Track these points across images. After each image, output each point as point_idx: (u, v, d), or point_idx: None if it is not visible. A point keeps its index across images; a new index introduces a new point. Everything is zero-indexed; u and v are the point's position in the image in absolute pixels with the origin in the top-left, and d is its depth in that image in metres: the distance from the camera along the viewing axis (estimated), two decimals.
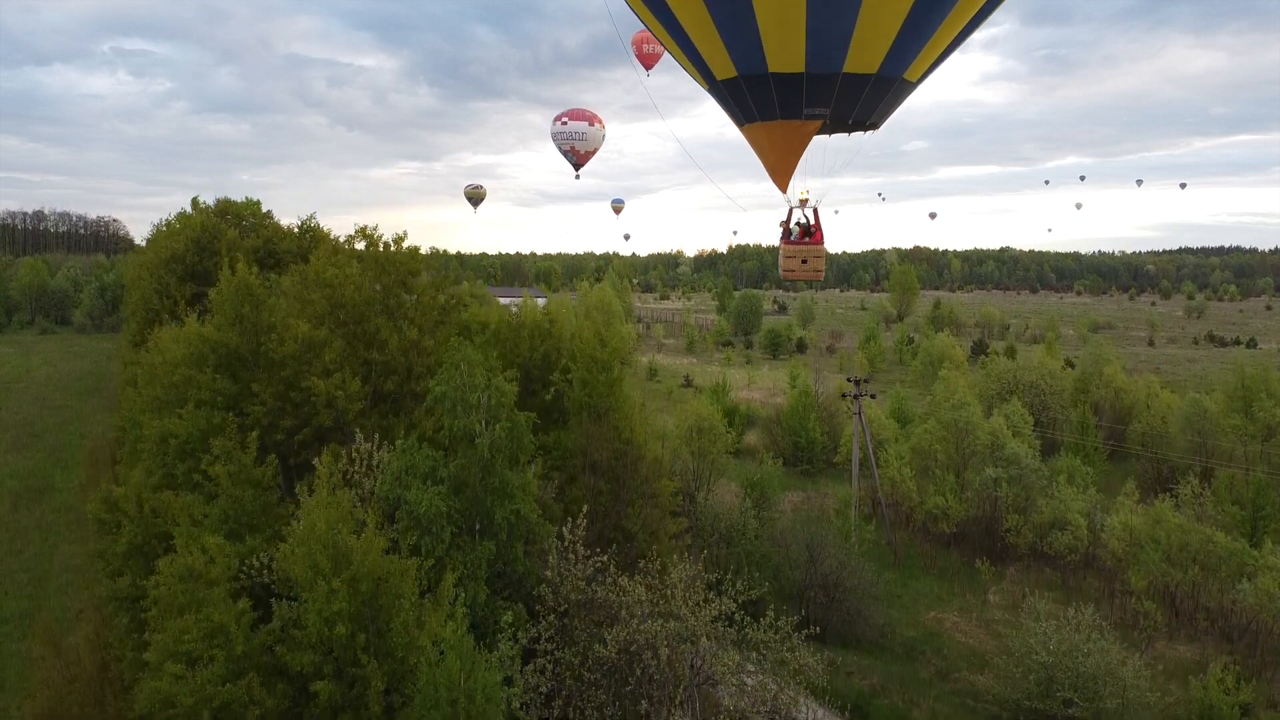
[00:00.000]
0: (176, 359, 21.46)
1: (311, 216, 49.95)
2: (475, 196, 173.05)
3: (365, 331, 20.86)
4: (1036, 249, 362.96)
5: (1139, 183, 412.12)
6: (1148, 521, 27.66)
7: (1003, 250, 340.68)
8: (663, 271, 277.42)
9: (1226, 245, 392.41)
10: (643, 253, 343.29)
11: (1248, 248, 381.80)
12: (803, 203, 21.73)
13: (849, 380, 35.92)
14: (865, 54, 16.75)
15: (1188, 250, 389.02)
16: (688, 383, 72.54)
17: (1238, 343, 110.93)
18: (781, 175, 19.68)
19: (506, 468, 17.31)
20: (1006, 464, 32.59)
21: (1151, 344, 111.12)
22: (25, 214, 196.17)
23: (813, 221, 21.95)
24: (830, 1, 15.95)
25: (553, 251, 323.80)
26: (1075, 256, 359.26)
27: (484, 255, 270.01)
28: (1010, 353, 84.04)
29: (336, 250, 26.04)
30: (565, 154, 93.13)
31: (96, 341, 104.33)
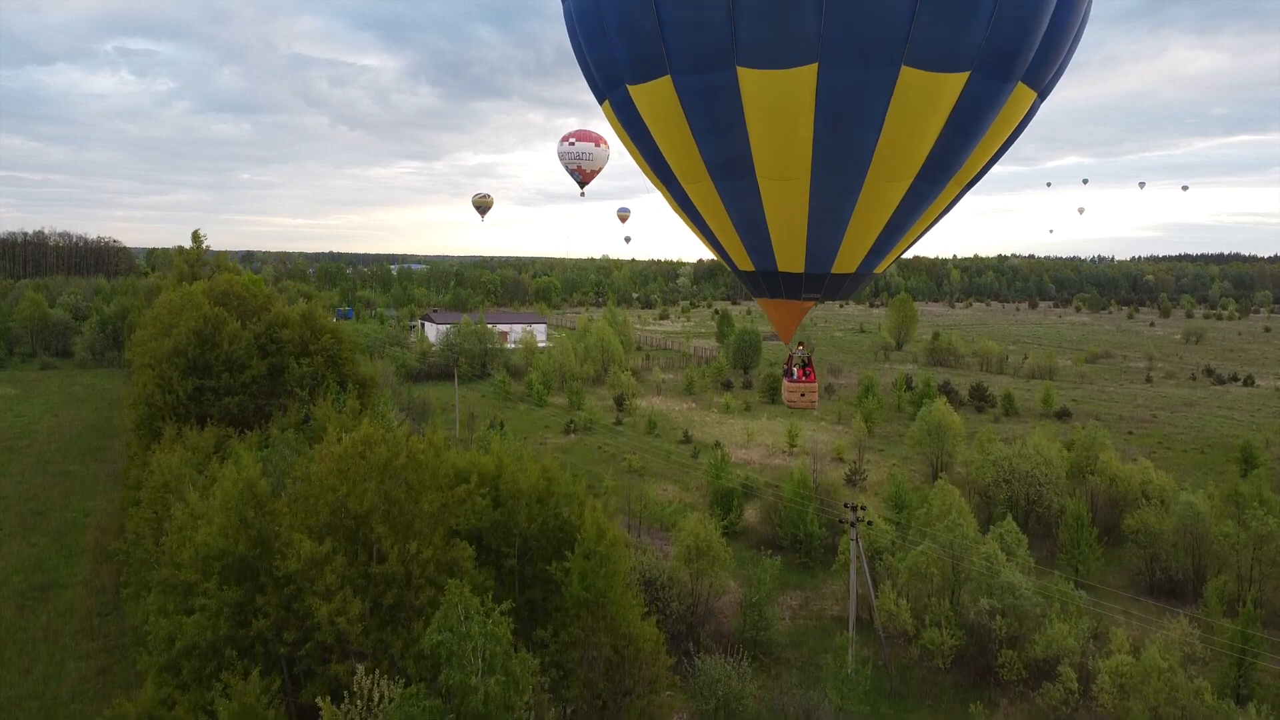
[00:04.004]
0: (181, 560, 21.89)
1: (314, 305, 50.60)
2: (483, 205, 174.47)
3: (366, 540, 21.26)
4: (1037, 253, 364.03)
5: (1141, 185, 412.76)
6: (1138, 672, 28.06)
7: (1001, 260, 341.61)
8: (662, 284, 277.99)
9: (1226, 252, 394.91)
10: (643, 256, 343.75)
11: (1247, 255, 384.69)
12: (800, 348, 30.18)
13: (846, 506, 36.33)
14: (848, 260, 22.91)
15: (1187, 257, 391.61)
16: (687, 439, 73.01)
17: (1235, 379, 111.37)
18: (785, 333, 26.30)
19: (503, 714, 17.72)
20: (1001, 592, 32.99)
21: (1149, 380, 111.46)
22: (25, 234, 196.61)
23: (808, 364, 29.81)
24: (823, 228, 21.66)
25: (554, 254, 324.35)
26: (1075, 264, 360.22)
27: (484, 270, 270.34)
28: (1008, 403, 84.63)
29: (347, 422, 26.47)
30: (571, 173, 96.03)
31: (98, 379, 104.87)
